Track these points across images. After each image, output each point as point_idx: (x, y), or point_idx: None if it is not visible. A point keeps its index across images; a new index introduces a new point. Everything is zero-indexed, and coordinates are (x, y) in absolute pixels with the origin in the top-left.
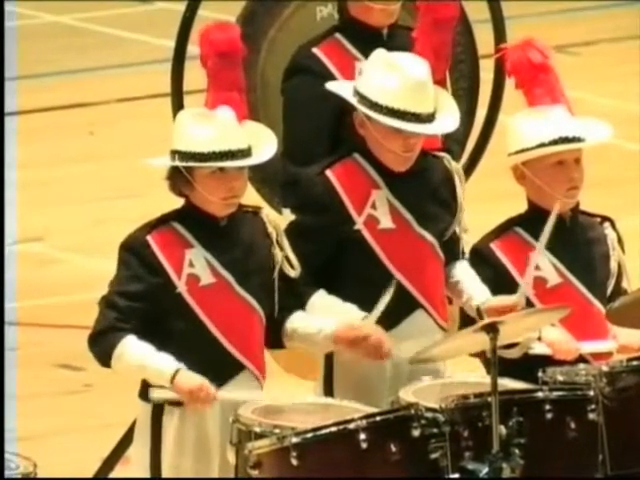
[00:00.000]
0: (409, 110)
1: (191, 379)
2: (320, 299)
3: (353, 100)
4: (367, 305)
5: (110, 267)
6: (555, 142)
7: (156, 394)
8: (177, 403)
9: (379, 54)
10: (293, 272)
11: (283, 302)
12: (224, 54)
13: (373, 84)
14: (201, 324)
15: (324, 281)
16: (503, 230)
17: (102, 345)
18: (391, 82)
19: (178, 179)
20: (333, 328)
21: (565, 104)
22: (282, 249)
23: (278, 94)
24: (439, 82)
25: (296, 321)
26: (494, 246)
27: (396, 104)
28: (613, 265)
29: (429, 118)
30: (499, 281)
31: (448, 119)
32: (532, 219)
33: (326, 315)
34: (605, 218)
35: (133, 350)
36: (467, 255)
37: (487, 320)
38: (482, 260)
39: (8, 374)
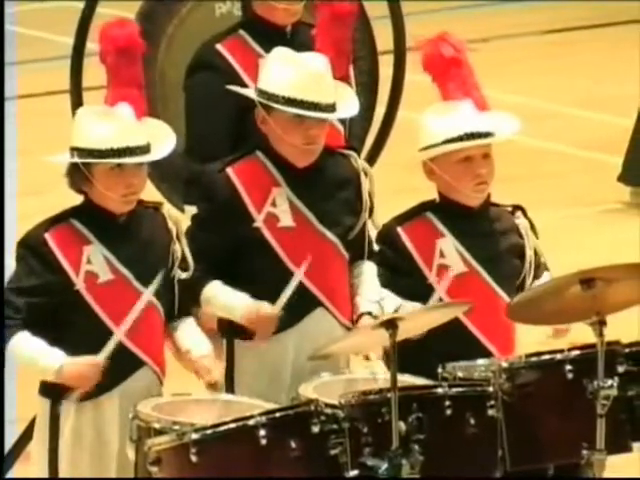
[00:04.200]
0: (307, 99)
1: (72, 370)
2: (214, 289)
3: (253, 95)
4: (266, 302)
5: (12, 264)
6: (460, 138)
7: None
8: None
9: (278, 51)
10: (185, 274)
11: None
12: (123, 50)
13: (271, 77)
14: (100, 321)
15: (223, 277)
16: (413, 214)
17: None
18: (288, 73)
19: (77, 176)
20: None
21: (478, 98)
22: (181, 246)
23: (177, 90)
24: (342, 79)
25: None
26: (400, 230)
27: (293, 94)
28: (529, 253)
29: (329, 108)
30: (400, 266)
31: (347, 107)
32: (444, 209)
33: (218, 305)
34: (516, 207)
35: (24, 346)
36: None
37: (386, 316)
38: (386, 243)
39: None
